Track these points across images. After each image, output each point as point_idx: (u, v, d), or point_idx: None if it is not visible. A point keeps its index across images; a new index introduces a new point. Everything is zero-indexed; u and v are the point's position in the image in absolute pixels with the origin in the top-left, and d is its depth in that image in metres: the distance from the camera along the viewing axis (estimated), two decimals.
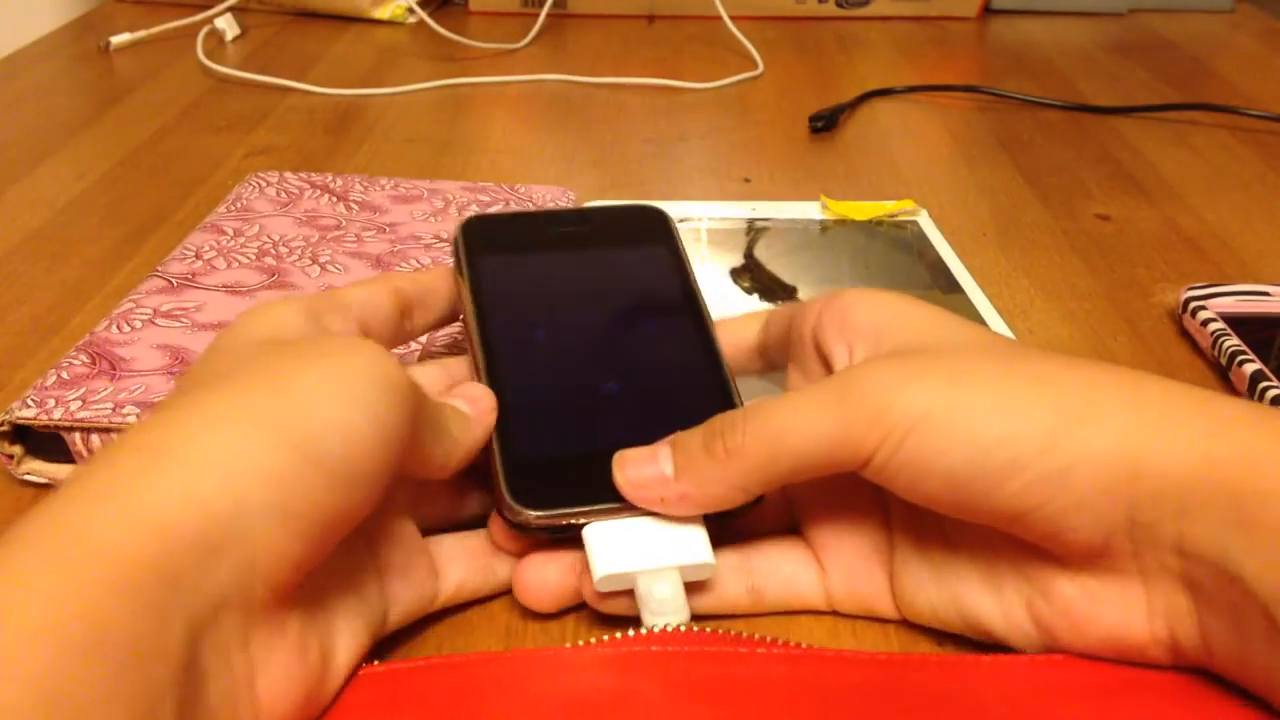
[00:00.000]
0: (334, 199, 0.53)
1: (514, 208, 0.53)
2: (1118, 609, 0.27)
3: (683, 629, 0.29)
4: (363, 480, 0.26)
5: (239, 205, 0.52)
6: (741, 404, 0.33)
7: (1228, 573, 0.24)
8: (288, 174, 0.56)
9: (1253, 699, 0.26)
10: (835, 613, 0.32)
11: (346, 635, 0.27)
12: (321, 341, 0.29)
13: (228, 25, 0.85)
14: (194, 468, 0.23)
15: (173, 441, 0.24)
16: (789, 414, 0.28)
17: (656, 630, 0.29)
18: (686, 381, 0.35)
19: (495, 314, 0.36)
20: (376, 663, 0.28)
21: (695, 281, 0.38)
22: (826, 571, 0.32)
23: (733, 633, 0.29)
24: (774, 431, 0.28)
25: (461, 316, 0.37)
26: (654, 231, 0.40)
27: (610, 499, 0.31)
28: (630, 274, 0.39)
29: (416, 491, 0.32)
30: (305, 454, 0.24)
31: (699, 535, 0.31)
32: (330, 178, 0.55)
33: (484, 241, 0.38)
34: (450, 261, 0.38)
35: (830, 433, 0.28)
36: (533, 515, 0.30)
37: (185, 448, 0.23)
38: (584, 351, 0.35)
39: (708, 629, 0.29)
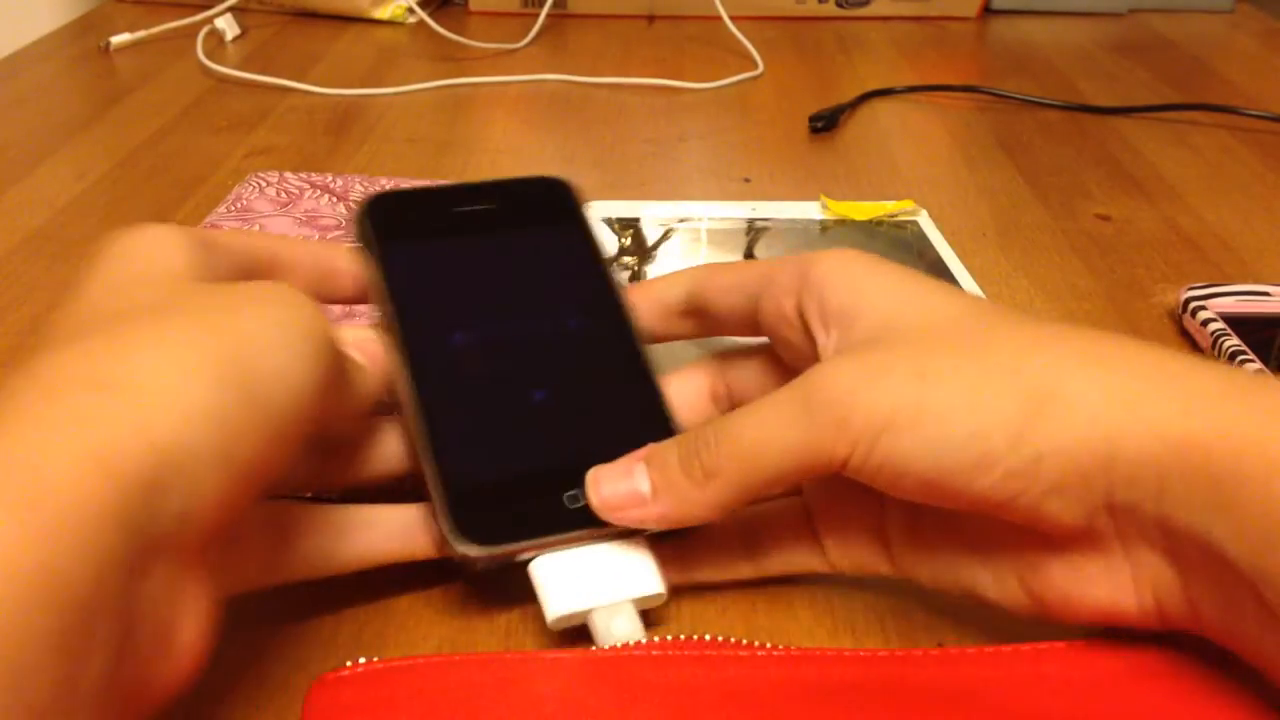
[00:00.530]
0: (334, 199, 0.53)
1: None
2: (1106, 584, 0.27)
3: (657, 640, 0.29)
4: (296, 433, 0.25)
5: (239, 205, 0.52)
6: (663, 397, 0.34)
7: (1212, 551, 0.24)
8: (288, 174, 0.56)
9: (1246, 673, 0.26)
10: (838, 575, 0.33)
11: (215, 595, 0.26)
12: (253, 288, 0.28)
13: (228, 25, 0.85)
14: (147, 405, 0.22)
15: (122, 375, 0.23)
16: (758, 429, 0.28)
17: None
18: (614, 383, 0.34)
19: (412, 315, 0.34)
20: (376, 659, 0.28)
21: (607, 263, 0.37)
22: (825, 539, 0.32)
23: (732, 639, 0.29)
24: (747, 450, 0.28)
25: (375, 309, 0.34)
26: (560, 206, 0.38)
27: (555, 529, 0.30)
28: (542, 260, 0.37)
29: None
30: (253, 401, 0.24)
31: (648, 563, 0.30)
32: (330, 178, 0.55)
33: (391, 225, 0.36)
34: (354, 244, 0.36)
35: (800, 446, 0.27)
36: (478, 553, 0.29)
37: (137, 383, 0.22)
38: (507, 356, 0.34)
39: (707, 636, 0.29)
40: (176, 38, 0.84)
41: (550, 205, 0.38)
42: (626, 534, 0.30)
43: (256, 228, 0.50)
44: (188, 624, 0.23)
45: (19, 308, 0.48)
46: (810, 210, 0.57)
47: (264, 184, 0.54)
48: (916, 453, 0.26)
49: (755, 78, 0.80)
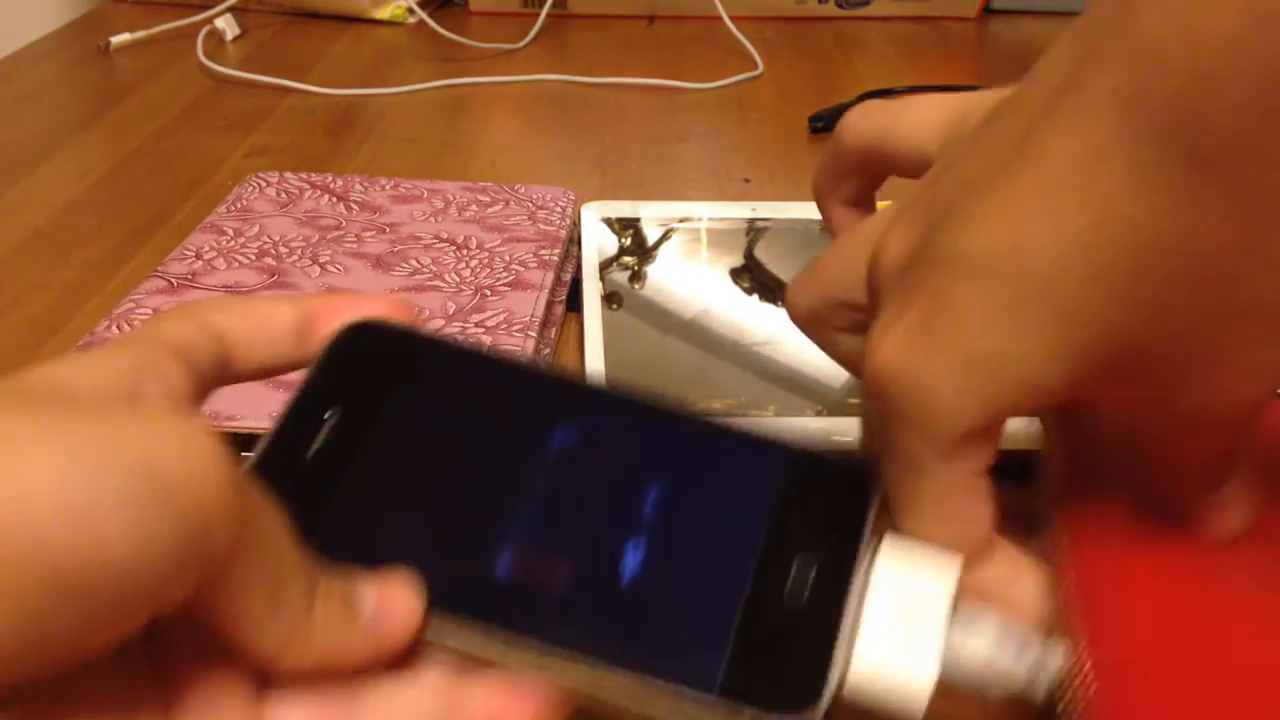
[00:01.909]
0: (334, 199, 0.53)
1: (514, 208, 0.53)
2: None
3: None
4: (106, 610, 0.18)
5: (239, 205, 0.52)
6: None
7: None
8: (288, 174, 0.56)
9: None
10: None
11: None
12: (101, 409, 0.20)
13: (228, 25, 0.85)
14: None
15: None
16: None
17: None
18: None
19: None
20: None
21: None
22: None
23: None
24: None
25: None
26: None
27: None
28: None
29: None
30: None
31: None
32: (330, 178, 0.56)
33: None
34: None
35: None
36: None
37: None
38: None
39: None
40: (176, 38, 0.84)
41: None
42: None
43: (256, 228, 0.50)
44: None
45: (19, 308, 0.48)
46: (810, 210, 0.57)
47: (264, 184, 0.54)
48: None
49: (755, 78, 0.80)
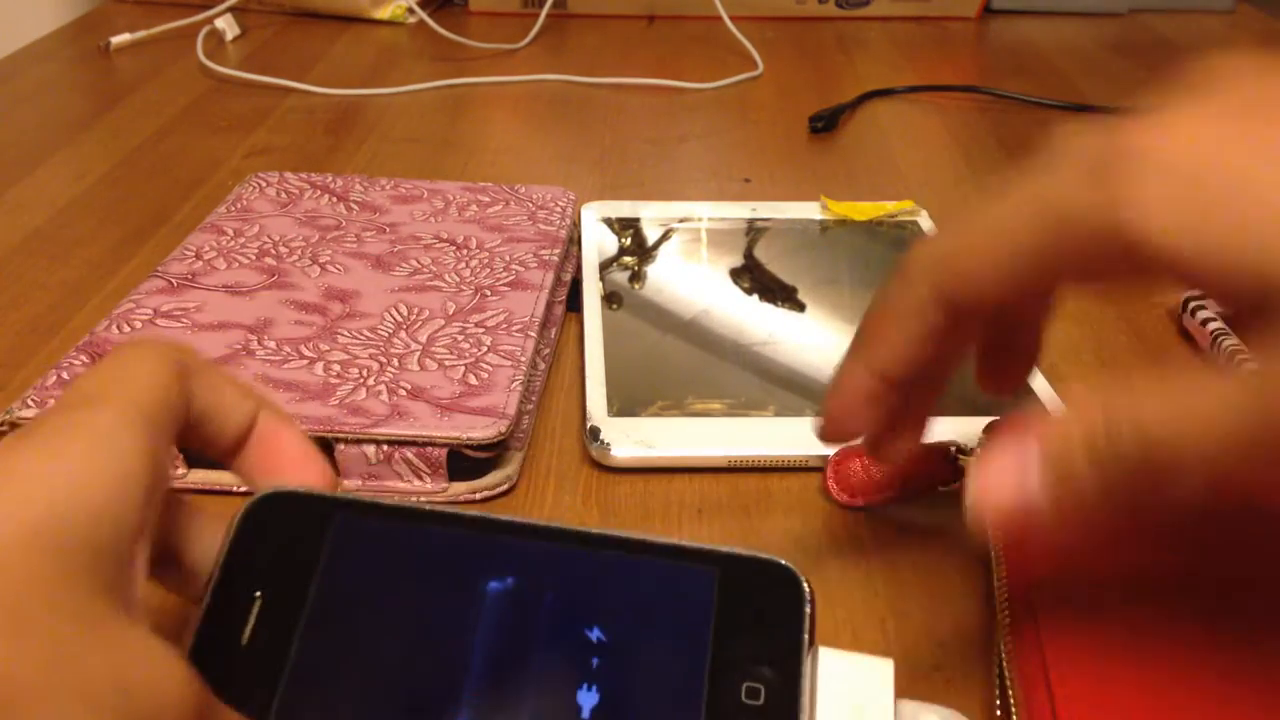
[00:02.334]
0: (334, 199, 0.53)
1: (514, 208, 0.53)
2: None
3: None
4: None
5: (239, 205, 0.52)
6: None
7: None
8: (288, 174, 0.56)
9: None
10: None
11: None
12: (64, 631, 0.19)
13: (228, 25, 0.85)
14: None
15: None
16: (1200, 426, 0.21)
17: None
18: None
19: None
20: None
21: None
22: None
23: None
24: (1178, 452, 0.22)
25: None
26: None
27: None
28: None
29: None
30: None
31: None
32: (330, 178, 0.55)
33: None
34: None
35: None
36: None
37: None
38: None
39: None
40: (176, 38, 0.84)
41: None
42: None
43: (256, 228, 0.50)
44: None
45: (19, 308, 0.48)
46: (810, 210, 0.57)
47: (264, 184, 0.54)
48: None
49: (755, 78, 0.80)
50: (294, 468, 0.26)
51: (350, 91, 0.75)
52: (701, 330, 0.47)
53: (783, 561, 0.26)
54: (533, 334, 0.43)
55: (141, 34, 0.84)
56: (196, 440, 0.25)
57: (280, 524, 0.25)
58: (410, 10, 0.90)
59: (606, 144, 0.68)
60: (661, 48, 0.87)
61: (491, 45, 0.85)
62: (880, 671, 0.25)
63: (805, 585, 0.25)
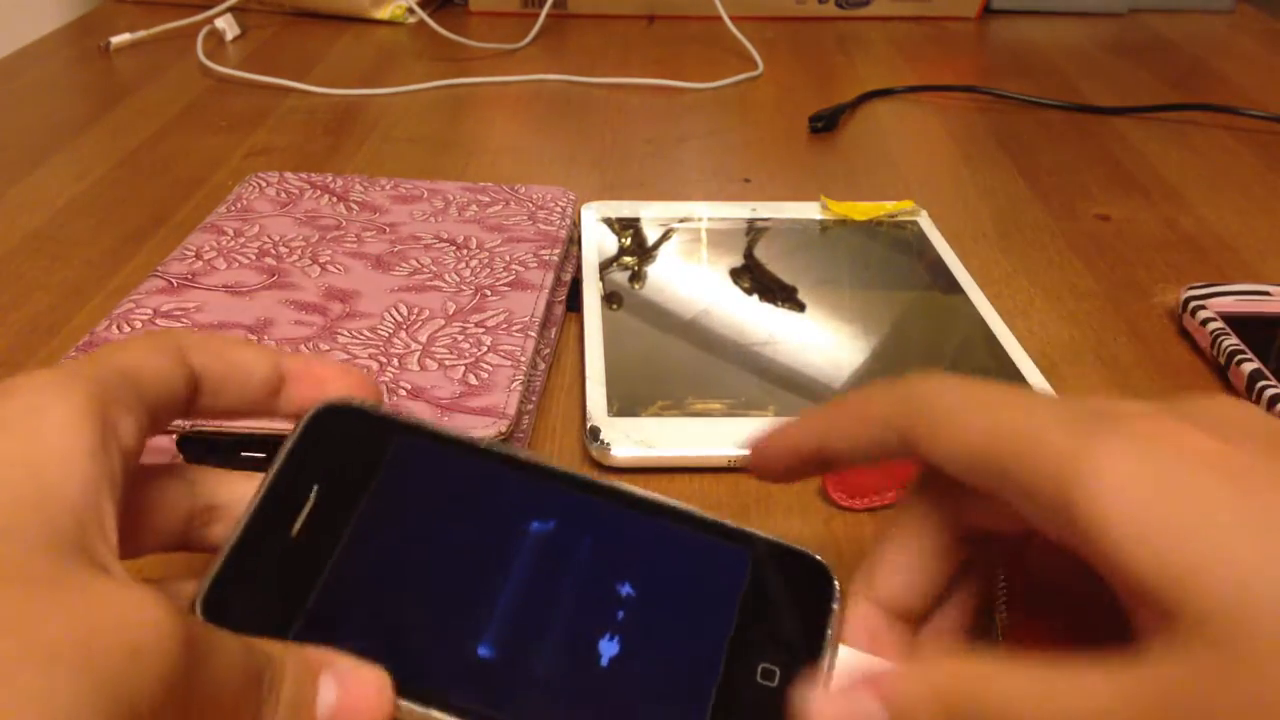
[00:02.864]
0: (334, 199, 0.53)
1: (514, 208, 0.53)
2: None
3: None
4: None
5: (239, 205, 0.52)
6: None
7: None
8: (288, 174, 0.56)
9: None
10: None
11: None
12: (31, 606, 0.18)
13: (228, 25, 0.85)
14: None
15: None
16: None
17: None
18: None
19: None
20: None
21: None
22: None
23: None
24: None
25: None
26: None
27: None
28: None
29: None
30: None
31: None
32: (330, 178, 0.55)
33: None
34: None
35: None
36: None
37: None
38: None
39: None
40: (176, 38, 0.84)
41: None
42: None
43: (256, 228, 0.50)
44: None
45: (19, 308, 0.48)
46: (810, 210, 0.57)
47: (264, 184, 0.54)
48: None
49: (755, 78, 0.80)
50: (338, 381, 0.27)
51: (350, 91, 0.75)
52: (701, 330, 0.47)
53: (818, 557, 0.26)
54: (533, 334, 0.43)
55: (141, 34, 0.84)
56: (226, 401, 0.26)
57: (343, 433, 0.26)
58: (410, 10, 0.90)
59: (606, 144, 0.68)
60: (661, 48, 0.87)
61: (491, 45, 0.85)
62: None
63: (836, 583, 0.26)
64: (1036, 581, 0.27)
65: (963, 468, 0.24)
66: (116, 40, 0.82)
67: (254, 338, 0.42)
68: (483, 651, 0.24)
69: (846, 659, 0.25)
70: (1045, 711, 0.21)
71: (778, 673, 0.24)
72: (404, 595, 0.24)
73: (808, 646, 0.25)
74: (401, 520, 0.26)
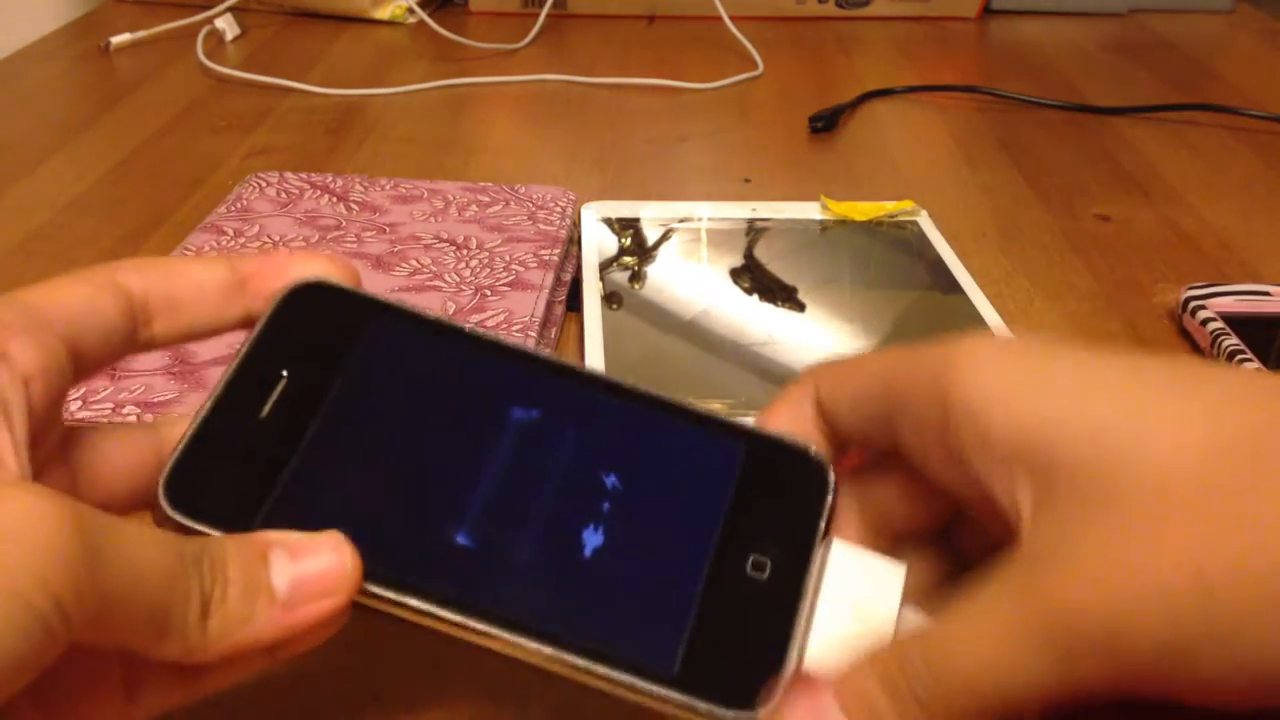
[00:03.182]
0: (334, 199, 0.53)
1: (514, 208, 0.53)
2: None
3: None
4: None
5: (239, 205, 0.52)
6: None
7: None
8: (288, 174, 0.56)
9: None
10: None
11: None
12: None
13: (228, 25, 0.85)
14: None
15: None
16: (983, 662, 0.21)
17: None
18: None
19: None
20: None
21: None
22: None
23: None
24: (969, 680, 0.21)
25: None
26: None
27: None
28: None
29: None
30: None
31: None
32: (330, 178, 0.55)
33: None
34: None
35: (1048, 682, 0.20)
36: None
37: None
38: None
39: None
40: (176, 38, 0.84)
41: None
42: None
43: (256, 228, 0.50)
44: None
45: None
46: (810, 210, 0.57)
47: (264, 184, 0.54)
48: (1230, 678, 0.19)
49: (755, 78, 0.80)
50: (306, 264, 0.26)
51: (350, 91, 0.75)
52: (701, 330, 0.47)
53: (811, 448, 0.25)
54: (533, 334, 0.43)
55: (141, 34, 0.84)
56: (184, 320, 0.25)
57: (318, 314, 0.25)
58: (410, 10, 0.90)
59: (606, 144, 0.68)
60: (661, 48, 0.87)
61: (491, 45, 0.85)
62: (891, 574, 0.24)
63: (831, 474, 0.25)
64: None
65: (863, 415, 0.25)
66: (116, 40, 0.82)
67: None
68: (461, 539, 0.23)
69: (841, 553, 0.25)
70: (957, 634, 0.21)
71: (768, 564, 0.24)
72: (378, 482, 0.24)
73: (800, 538, 0.24)
74: (378, 404, 0.25)
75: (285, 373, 0.24)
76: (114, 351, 0.24)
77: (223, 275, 0.25)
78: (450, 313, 0.44)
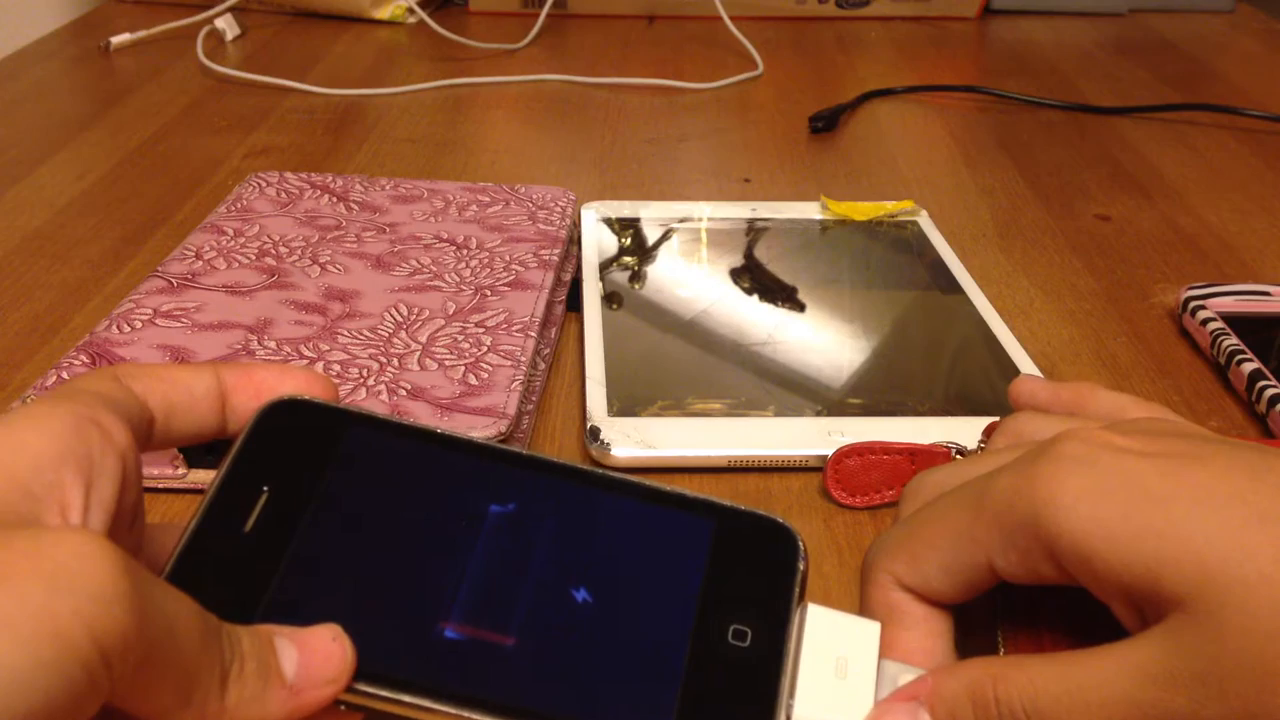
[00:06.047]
0: (334, 199, 0.53)
1: (514, 208, 0.53)
2: None
3: None
4: None
5: (239, 205, 0.52)
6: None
7: None
8: (288, 174, 0.56)
9: None
10: None
11: None
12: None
13: (228, 25, 0.85)
14: None
15: None
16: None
17: None
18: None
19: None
20: None
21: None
22: None
23: None
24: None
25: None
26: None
27: None
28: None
29: None
30: None
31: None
32: (330, 178, 0.55)
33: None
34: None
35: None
36: None
37: None
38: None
39: None
40: (176, 38, 0.84)
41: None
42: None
43: (256, 228, 0.50)
44: None
45: (19, 308, 0.48)
46: (810, 210, 0.57)
47: (264, 184, 0.54)
48: None
49: (755, 78, 0.80)
50: (279, 382, 0.26)
51: (350, 91, 0.75)
52: (701, 330, 0.47)
53: (779, 519, 0.27)
54: (533, 334, 0.43)
55: (141, 34, 0.84)
56: (178, 425, 0.25)
57: (295, 428, 0.26)
58: (410, 10, 0.90)
59: (606, 144, 0.68)
60: (661, 48, 0.87)
61: (491, 45, 0.85)
62: (867, 632, 0.26)
63: (800, 543, 0.26)
64: (1030, 594, 0.27)
65: (960, 582, 0.26)
66: (116, 40, 0.82)
67: (254, 337, 0.42)
68: (449, 634, 0.24)
69: (818, 616, 0.25)
70: (1065, 693, 0.23)
71: (749, 633, 0.25)
72: (364, 585, 0.24)
73: (777, 605, 0.25)
74: (358, 511, 0.25)
75: (266, 488, 0.25)
76: (144, 445, 0.24)
77: (210, 384, 0.26)
78: (450, 312, 0.44)
